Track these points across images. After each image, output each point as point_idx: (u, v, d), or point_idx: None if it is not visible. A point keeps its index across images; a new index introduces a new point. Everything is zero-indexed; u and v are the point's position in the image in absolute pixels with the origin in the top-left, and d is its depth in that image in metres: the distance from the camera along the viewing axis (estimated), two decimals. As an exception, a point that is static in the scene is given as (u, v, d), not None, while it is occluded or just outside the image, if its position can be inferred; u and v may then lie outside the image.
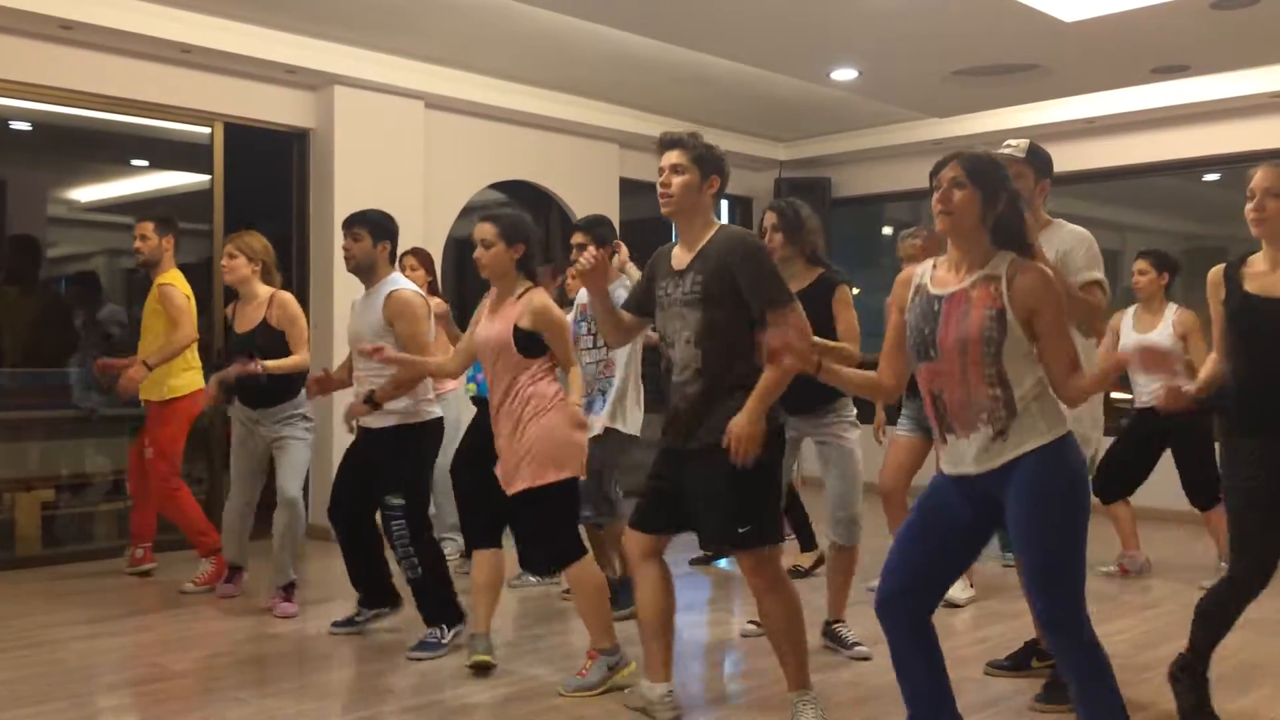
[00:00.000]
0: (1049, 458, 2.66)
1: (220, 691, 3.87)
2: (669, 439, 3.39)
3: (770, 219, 4.36)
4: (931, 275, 2.82)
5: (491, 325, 3.87)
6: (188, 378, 5.42)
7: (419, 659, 4.18)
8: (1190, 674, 3.35)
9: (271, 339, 4.91)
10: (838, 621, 4.32)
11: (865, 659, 4.15)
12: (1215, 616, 3.32)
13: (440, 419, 4.47)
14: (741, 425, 3.16)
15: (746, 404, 3.18)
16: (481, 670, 3.98)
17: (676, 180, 3.31)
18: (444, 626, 4.30)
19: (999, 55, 6.75)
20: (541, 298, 3.84)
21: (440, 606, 4.34)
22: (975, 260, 2.74)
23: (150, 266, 5.48)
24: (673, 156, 3.32)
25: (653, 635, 3.48)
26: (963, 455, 2.74)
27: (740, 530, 3.22)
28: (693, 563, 6.06)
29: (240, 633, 4.66)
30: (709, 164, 3.34)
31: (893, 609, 2.82)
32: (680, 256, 3.38)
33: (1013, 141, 3.67)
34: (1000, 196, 2.72)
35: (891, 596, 2.82)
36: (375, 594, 4.60)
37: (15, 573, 5.75)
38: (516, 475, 3.78)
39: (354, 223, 4.35)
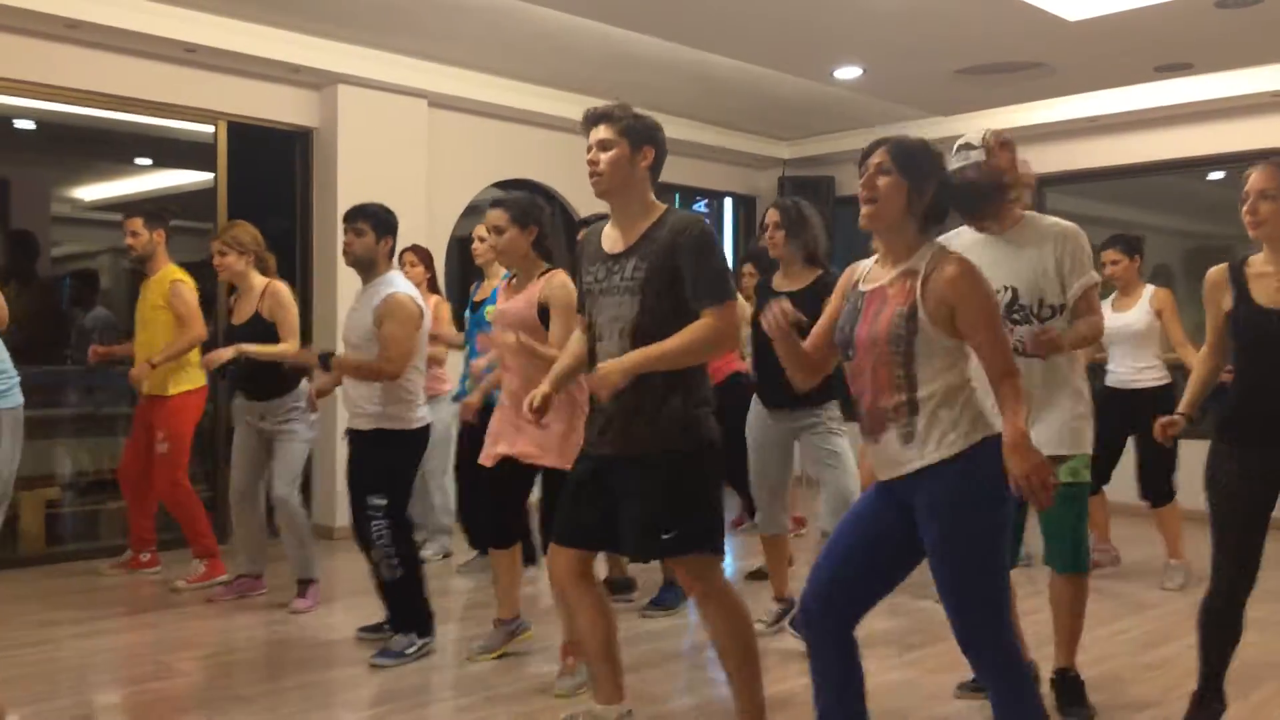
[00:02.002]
0: (956, 472, 2.49)
1: (223, 690, 3.88)
2: (595, 444, 3.08)
3: (773, 216, 4.36)
4: (868, 271, 2.68)
5: (514, 300, 3.93)
6: (194, 372, 5.39)
7: (381, 666, 4.06)
8: (1214, 699, 3.21)
9: (261, 331, 4.89)
10: None
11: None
12: (1219, 627, 3.17)
13: (425, 428, 4.28)
14: (608, 365, 2.86)
15: (633, 351, 2.89)
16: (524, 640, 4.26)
17: (605, 156, 2.97)
18: (414, 635, 4.16)
19: (1003, 54, 6.74)
20: (562, 277, 3.89)
21: (414, 614, 4.21)
22: (900, 254, 2.59)
23: (144, 262, 5.46)
24: (599, 132, 3.00)
25: (601, 659, 3.22)
26: (880, 459, 2.60)
27: (664, 536, 2.93)
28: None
29: (243, 632, 4.67)
30: (639, 135, 3.00)
31: (810, 611, 2.67)
32: (615, 239, 3.06)
33: (971, 139, 3.34)
34: (929, 185, 2.56)
35: (813, 598, 2.66)
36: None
37: (19, 571, 5.75)
38: (501, 440, 3.86)
39: (356, 216, 4.26)
